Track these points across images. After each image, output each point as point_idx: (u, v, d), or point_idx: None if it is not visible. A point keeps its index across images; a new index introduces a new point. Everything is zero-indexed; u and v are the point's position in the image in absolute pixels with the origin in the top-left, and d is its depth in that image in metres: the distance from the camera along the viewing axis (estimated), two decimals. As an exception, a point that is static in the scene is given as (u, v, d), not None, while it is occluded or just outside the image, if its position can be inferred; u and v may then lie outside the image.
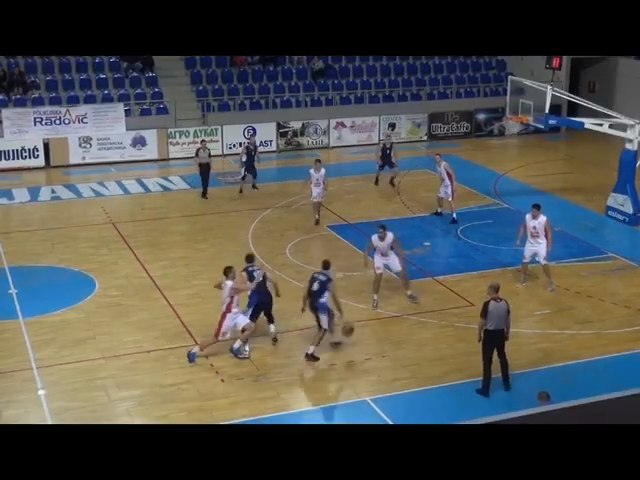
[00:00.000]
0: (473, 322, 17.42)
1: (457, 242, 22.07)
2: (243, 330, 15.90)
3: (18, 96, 30.48)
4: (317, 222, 22.99)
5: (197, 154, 26.44)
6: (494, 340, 14.62)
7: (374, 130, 32.93)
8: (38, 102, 30.34)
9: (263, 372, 15.48)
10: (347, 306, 18.07)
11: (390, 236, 18.24)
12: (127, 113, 30.35)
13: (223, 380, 15.20)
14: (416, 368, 15.69)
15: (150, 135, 30.32)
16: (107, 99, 31.18)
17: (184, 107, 31.71)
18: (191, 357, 15.77)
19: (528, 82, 25.89)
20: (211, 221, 23.88)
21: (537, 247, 18.87)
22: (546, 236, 18.76)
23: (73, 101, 30.75)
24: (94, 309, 18.09)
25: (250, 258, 17.12)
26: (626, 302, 18.58)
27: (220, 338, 15.79)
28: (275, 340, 16.66)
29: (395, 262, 18.37)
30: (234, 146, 30.95)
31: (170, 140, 30.57)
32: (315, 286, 16.10)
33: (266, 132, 31.53)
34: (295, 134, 32.04)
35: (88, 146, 29.65)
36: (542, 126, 25.39)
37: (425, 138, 33.71)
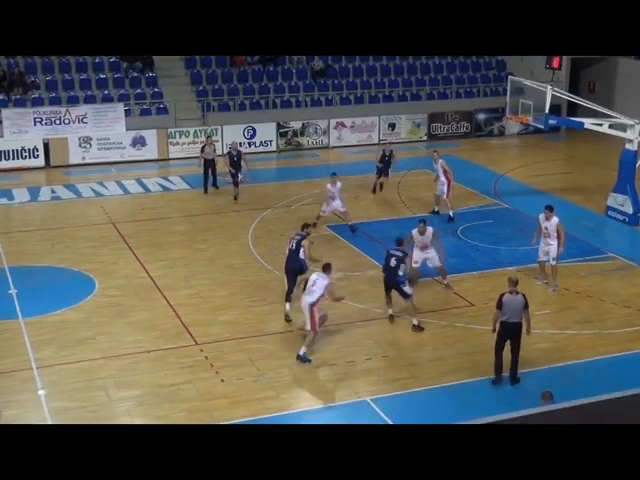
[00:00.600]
0: (473, 322, 17.47)
1: (457, 242, 22.07)
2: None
3: (18, 96, 30.48)
4: (315, 225, 22.58)
5: (203, 150, 26.59)
6: (507, 332, 14.85)
7: (374, 130, 32.94)
8: (38, 102, 30.35)
9: (263, 372, 15.48)
10: (347, 306, 18.10)
11: (430, 230, 18.60)
12: (127, 113, 30.35)
13: (223, 380, 15.20)
14: (416, 368, 15.69)
15: (150, 135, 30.32)
16: (107, 99, 31.18)
17: (184, 107, 31.71)
18: (304, 358, 15.80)
19: (528, 82, 25.90)
20: (211, 221, 23.88)
21: (548, 247, 18.95)
22: (558, 237, 18.80)
23: (73, 101, 30.76)
24: (94, 309, 18.09)
25: (304, 226, 18.90)
26: (626, 302, 18.59)
27: (318, 329, 16.03)
28: (289, 320, 17.53)
29: (435, 258, 18.79)
30: (234, 146, 30.94)
31: (170, 140, 30.57)
32: (392, 262, 17.04)
33: (266, 132, 31.54)
34: (295, 134, 32.04)
35: (88, 146, 29.65)
36: (542, 126, 25.38)
37: (425, 138, 33.71)
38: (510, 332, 14.85)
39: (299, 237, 18.13)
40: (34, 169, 28.98)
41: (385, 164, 26.23)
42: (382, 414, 14.07)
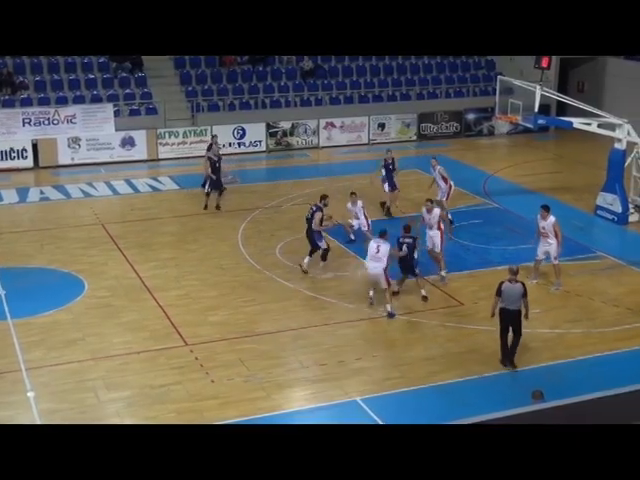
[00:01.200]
0: (463, 322, 17.50)
1: (447, 242, 22.07)
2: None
3: (6, 97, 30.36)
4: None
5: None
6: (506, 318, 15.47)
7: (364, 130, 32.95)
8: (26, 103, 30.23)
9: (253, 372, 15.47)
10: (337, 306, 18.12)
11: (436, 212, 19.51)
12: (116, 113, 30.25)
13: (213, 381, 15.18)
14: (406, 368, 15.70)
15: (139, 135, 30.25)
16: (96, 99, 31.09)
17: (173, 107, 31.65)
18: (392, 314, 17.55)
19: (517, 82, 25.93)
20: (201, 222, 23.84)
21: (548, 247, 19.08)
22: (556, 236, 18.92)
23: (62, 101, 30.66)
24: (84, 310, 18.04)
25: (323, 197, 20.21)
26: (615, 301, 18.64)
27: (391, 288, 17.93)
28: (305, 272, 19.52)
29: (437, 239, 19.44)
30: (223, 146, 30.84)
31: (159, 140, 30.51)
32: (404, 249, 18.15)
33: (256, 132, 31.51)
34: (285, 134, 32.02)
35: (77, 147, 29.56)
36: (531, 126, 25.42)
37: (415, 138, 33.73)
38: (509, 318, 15.45)
39: (315, 208, 19.88)
40: (23, 170, 28.88)
41: (388, 173, 24.62)
42: (372, 414, 14.06)
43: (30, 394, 14.65)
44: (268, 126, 31.84)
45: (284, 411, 14.31)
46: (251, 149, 31.33)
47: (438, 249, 19.44)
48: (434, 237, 19.46)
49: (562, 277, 19.35)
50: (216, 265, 20.54)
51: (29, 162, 29.17)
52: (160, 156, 30.51)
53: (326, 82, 34.37)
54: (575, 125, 24.64)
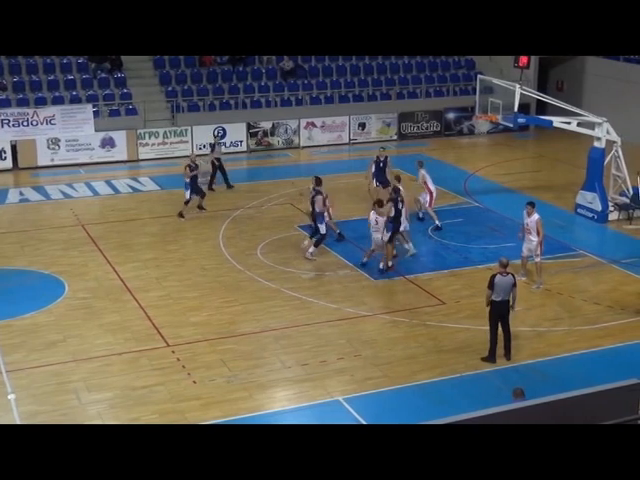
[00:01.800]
0: (445, 320, 17.55)
1: (428, 241, 22.15)
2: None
3: (-15, 98, 30.19)
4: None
5: (213, 150, 26.89)
6: (499, 310, 15.74)
7: (344, 130, 32.97)
8: (5, 104, 30.04)
9: (235, 373, 15.45)
10: (318, 306, 18.13)
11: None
12: (96, 114, 30.12)
13: (195, 382, 15.15)
14: (388, 367, 15.72)
15: (119, 136, 30.14)
16: (75, 100, 30.92)
17: (153, 108, 31.55)
18: (383, 270, 19.46)
19: (497, 81, 26.02)
20: (182, 222, 23.76)
21: (530, 244, 19.24)
22: (538, 234, 19.04)
23: (41, 102, 30.49)
24: (64, 312, 17.95)
25: (318, 180, 21.46)
26: (596, 299, 18.75)
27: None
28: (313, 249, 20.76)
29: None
30: (204, 147, 30.85)
31: (139, 141, 30.41)
32: (400, 205, 19.79)
33: (236, 132, 31.47)
34: (265, 134, 31.99)
35: (56, 148, 29.42)
36: (511, 125, 25.53)
37: (395, 137, 33.79)
38: (503, 310, 15.75)
39: (314, 192, 21.03)
40: (1, 171, 28.70)
41: (380, 173, 24.67)
42: (355, 413, 14.09)
43: (11, 396, 14.57)
44: (249, 126, 31.81)
45: (266, 411, 14.31)
46: (232, 149, 31.28)
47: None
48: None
49: (543, 276, 19.44)
50: (197, 266, 20.50)
51: (8, 163, 29.00)
52: (140, 157, 30.42)
53: (306, 82, 34.36)
54: (555, 124, 24.75)
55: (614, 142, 23.93)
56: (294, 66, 34.42)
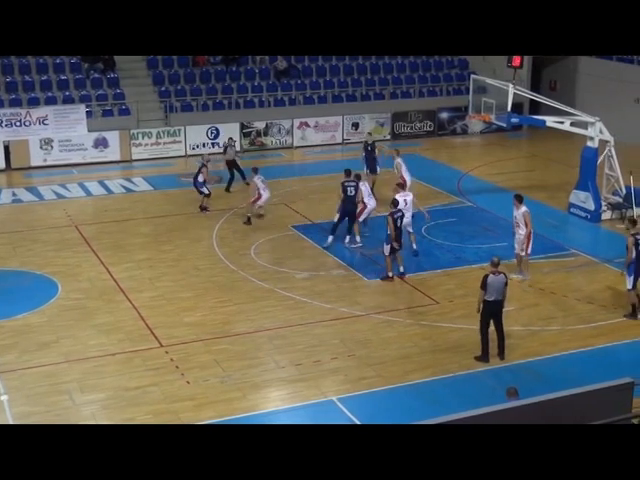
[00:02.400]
0: (438, 320, 17.56)
1: (421, 240, 22.13)
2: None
3: (-23, 98, 30.11)
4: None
5: (225, 151, 27.09)
6: (492, 310, 15.69)
7: (338, 130, 32.97)
8: (-2, 104, 30.00)
9: (229, 373, 15.44)
10: (312, 306, 18.13)
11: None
12: (89, 114, 30.05)
13: (189, 382, 15.13)
14: (382, 367, 15.72)
15: (112, 136, 30.09)
16: (68, 100, 30.86)
17: (146, 108, 31.51)
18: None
19: (490, 81, 26.03)
20: (175, 222, 23.74)
21: (518, 237, 19.46)
22: (526, 227, 19.21)
23: (33, 102, 30.42)
24: (57, 312, 17.91)
25: (347, 172, 21.76)
26: (589, 298, 18.77)
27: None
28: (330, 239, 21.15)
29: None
30: (197, 147, 30.88)
31: (133, 141, 30.36)
32: (399, 222, 19.23)
33: (229, 132, 31.41)
34: (259, 134, 31.97)
35: (49, 148, 29.36)
36: (504, 124, 25.53)
37: (389, 137, 33.80)
38: (496, 310, 15.70)
39: (355, 183, 21.43)
40: (-6, 172, 28.66)
41: (368, 155, 25.54)
42: (349, 413, 14.08)
43: (3, 397, 14.53)
44: (242, 126, 31.79)
45: (260, 411, 14.29)
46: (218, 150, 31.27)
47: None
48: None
49: (536, 275, 19.46)
50: (191, 266, 20.48)
51: (0, 164, 28.91)
52: (133, 157, 30.37)
53: (300, 82, 34.35)
54: (548, 123, 24.78)
55: (607, 141, 23.98)
56: (287, 66, 34.41)
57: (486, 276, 15.67)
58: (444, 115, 34.73)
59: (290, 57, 34.74)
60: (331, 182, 27.34)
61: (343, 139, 32.94)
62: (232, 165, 26.83)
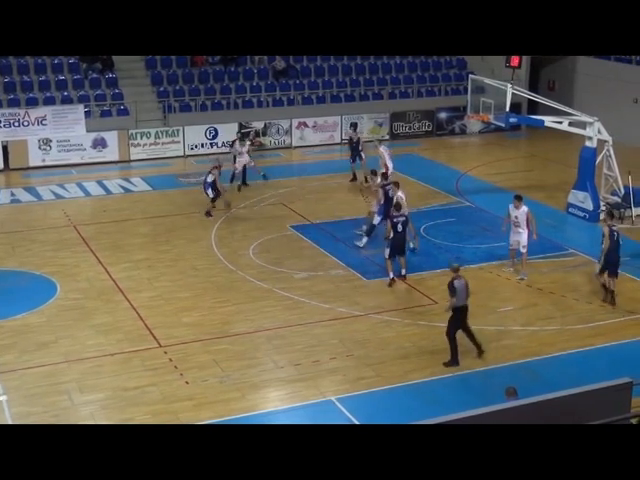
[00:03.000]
0: (437, 320, 17.54)
1: (420, 240, 22.13)
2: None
3: (-24, 98, 30.09)
4: None
5: (232, 145, 27.30)
6: (461, 315, 15.73)
7: (336, 130, 32.96)
8: (-4, 104, 29.99)
9: (228, 373, 15.44)
10: (311, 306, 18.13)
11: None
12: (87, 114, 30.05)
13: (188, 382, 15.13)
14: (380, 367, 15.73)
15: (111, 136, 30.08)
16: (67, 100, 30.85)
17: (145, 108, 31.49)
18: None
19: (488, 81, 26.04)
20: (174, 222, 23.74)
21: (518, 236, 19.61)
22: (528, 226, 19.48)
23: (32, 103, 30.41)
24: (56, 313, 17.91)
25: (385, 176, 22.09)
26: (587, 298, 18.78)
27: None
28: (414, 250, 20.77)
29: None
30: (195, 147, 30.87)
31: (131, 141, 30.35)
32: (399, 228, 18.94)
33: (228, 133, 31.41)
34: (257, 134, 31.96)
35: (48, 148, 29.35)
36: (503, 124, 25.55)
37: (387, 137, 33.78)
38: (464, 314, 15.70)
39: (389, 186, 21.30)
40: (-7, 172, 28.65)
41: (355, 149, 27.05)
42: (347, 413, 14.09)
43: (2, 397, 14.53)
44: (241, 126, 31.76)
45: (259, 412, 14.29)
46: (223, 149, 31.26)
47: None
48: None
49: (535, 275, 19.48)
50: (189, 266, 20.47)
51: (-1, 164, 28.93)
52: (132, 157, 30.36)
53: (298, 82, 34.34)
54: (546, 123, 24.79)
55: (605, 141, 23.99)
56: (286, 66, 34.40)
57: (452, 282, 15.61)
58: (443, 115, 34.73)
59: (288, 57, 34.74)
60: (330, 182, 27.47)
61: (342, 139, 32.91)
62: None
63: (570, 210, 24.52)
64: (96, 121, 30.48)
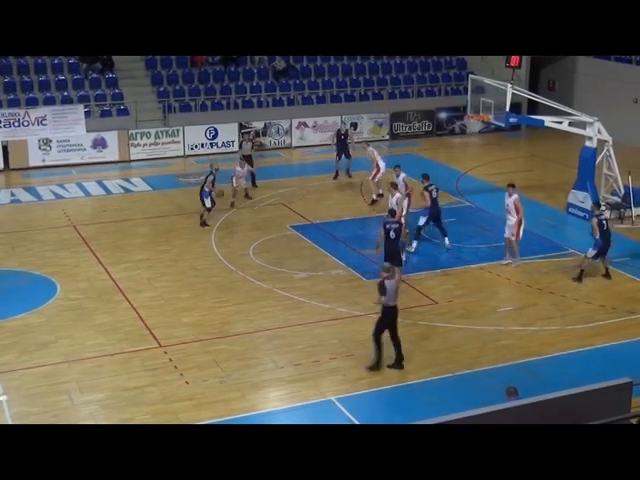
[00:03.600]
0: (436, 320, 17.56)
1: (420, 240, 22.13)
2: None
3: (-24, 98, 30.09)
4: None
5: (241, 146, 27.62)
6: (391, 316, 15.43)
7: (336, 130, 32.93)
8: (-4, 104, 29.99)
9: (228, 373, 15.44)
10: (311, 306, 18.12)
11: (402, 176, 21.50)
12: (87, 114, 30.05)
13: (188, 382, 15.13)
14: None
15: (111, 136, 30.08)
16: (67, 100, 30.85)
17: (145, 108, 31.49)
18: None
19: (488, 81, 26.05)
20: (174, 223, 23.74)
21: (509, 223, 20.08)
22: (517, 213, 19.91)
23: (32, 103, 30.41)
24: (56, 313, 17.91)
25: (426, 177, 21.59)
26: (587, 298, 18.78)
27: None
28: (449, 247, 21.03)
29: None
30: (195, 147, 30.86)
31: (131, 141, 30.35)
32: (392, 234, 18.31)
33: (228, 133, 31.44)
34: (257, 134, 31.95)
35: (48, 148, 29.35)
36: (503, 124, 25.56)
37: (387, 137, 33.80)
38: (394, 315, 15.51)
39: (434, 186, 21.34)
40: (-7, 172, 28.65)
41: (341, 143, 27.49)
42: (347, 413, 14.08)
43: (2, 397, 14.53)
44: (240, 126, 31.77)
45: (259, 412, 14.29)
46: (223, 149, 31.27)
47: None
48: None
49: (535, 275, 19.46)
50: (189, 266, 20.47)
51: (-1, 164, 28.93)
52: (132, 157, 30.36)
53: (298, 82, 34.34)
54: (546, 123, 24.79)
55: (605, 141, 24.00)
56: (286, 66, 34.40)
57: (382, 281, 15.34)
58: (443, 115, 34.73)
59: (288, 57, 34.74)
60: (330, 182, 27.45)
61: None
62: (248, 161, 26.57)
63: (570, 210, 24.52)
64: (96, 121, 30.48)
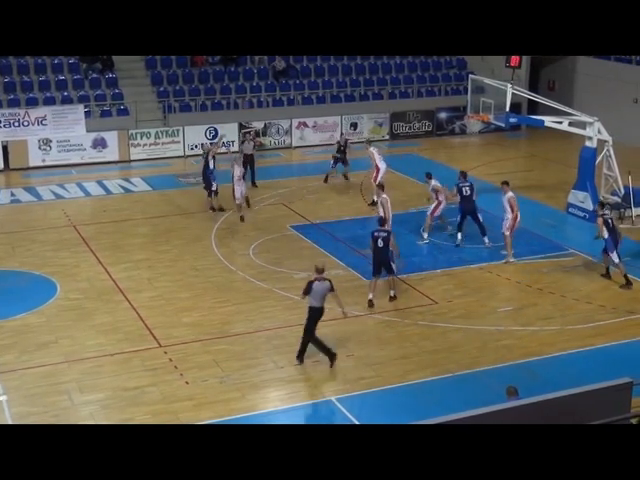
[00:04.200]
0: (437, 320, 17.56)
1: (420, 240, 22.15)
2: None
3: (-24, 98, 30.08)
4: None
5: (242, 143, 27.64)
6: (316, 316, 15.52)
7: (336, 130, 32.93)
8: (-4, 104, 29.98)
9: (228, 373, 15.43)
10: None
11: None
12: (87, 114, 30.03)
13: (188, 382, 15.13)
14: (380, 367, 15.72)
15: (111, 136, 30.08)
16: (66, 101, 30.85)
17: (145, 108, 31.49)
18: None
19: (488, 81, 26.05)
20: (174, 223, 23.74)
21: (504, 221, 20.44)
22: (512, 210, 20.31)
23: (32, 103, 30.41)
24: (56, 313, 17.91)
25: (464, 174, 22.15)
26: (587, 298, 18.78)
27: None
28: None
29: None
30: (195, 147, 30.85)
31: (131, 141, 30.35)
32: (380, 243, 17.97)
33: (228, 133, 31.41)
34: (257, 134, 31.95)
35: (48, 148, 29.35)
36: (503, 124, 25.57)
37: (387, 137, 33.80)
38: (317, 317, 15.53)
39: (469, 184, 21.72)
40: (-7, 172, 28.65)
41: (340, 153, 27.46)
42: (347, 413, 14.08)
43: (2, 398, 14.53)
44: (241, 126, 31.77)
45: (259, 412, 14.29)
46: (223, 149, 31.22)
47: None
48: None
49: (535, 275, 19.46)
50: (189, 266, 20.47)
51: (-1, 164, 28.93)
52: (132, 157, 30.36)
53: (298, 82, 34.34)
54: (546, 123, 24.79)
55: (605, 141, 23.99)
56: (286, 66, 34.40)
57: (311, 282, 15.44)
58: (443, 115, 34.73)
59: (288, 57, 34.73)
60: (330, 182, 27.40)
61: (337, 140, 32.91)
62: (249, 160, 26.58)
63: (570, 210, 24.51)
64: (96, 121, 30.48)
